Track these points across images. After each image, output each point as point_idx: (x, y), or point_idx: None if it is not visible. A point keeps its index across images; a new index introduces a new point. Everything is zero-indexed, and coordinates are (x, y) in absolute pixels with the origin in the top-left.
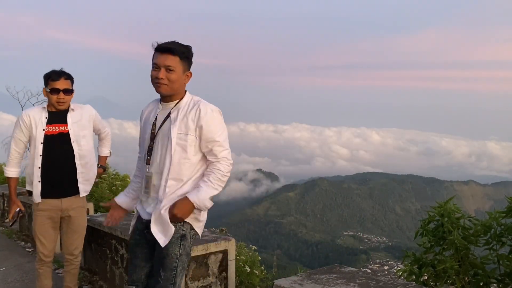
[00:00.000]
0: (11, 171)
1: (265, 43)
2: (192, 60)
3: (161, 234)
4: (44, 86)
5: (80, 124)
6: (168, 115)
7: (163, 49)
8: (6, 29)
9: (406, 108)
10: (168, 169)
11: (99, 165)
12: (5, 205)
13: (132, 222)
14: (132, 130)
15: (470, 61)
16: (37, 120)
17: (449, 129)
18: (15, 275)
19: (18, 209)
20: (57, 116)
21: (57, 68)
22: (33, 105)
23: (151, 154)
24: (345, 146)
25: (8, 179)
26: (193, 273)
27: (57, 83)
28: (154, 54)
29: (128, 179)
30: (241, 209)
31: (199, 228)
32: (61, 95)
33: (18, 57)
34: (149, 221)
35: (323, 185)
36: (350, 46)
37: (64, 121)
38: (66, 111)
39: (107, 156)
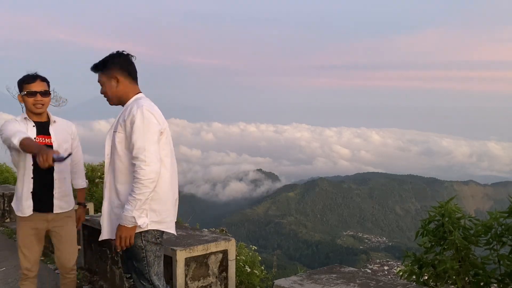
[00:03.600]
0: (20, 136)
1: (264, 43)
2: (113, 62)
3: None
4: (18, 93)
5: (62, 137)
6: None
7: (92, 69)
8: (6, 29)
9: (406, 108)
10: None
11: (81, 203)
12: (5, 205)
13: None
14: None
15: (470, 61)
16: (25, 129)
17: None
18: (15, 275)
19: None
20: (41, 127)
21: (57, 68)
22: None
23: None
24: (346, 146)
25: (23, 142)
26: (193, 273)
27: (33, 85)
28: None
29: None
30: (241, 209)
31: (156, 222)
32: (38, 97)
33: (18, 57)
34: None
35: (323, 185)
36: (350, 46)
37: (47, 133)
38: (48, 122)
39: (85, 189)
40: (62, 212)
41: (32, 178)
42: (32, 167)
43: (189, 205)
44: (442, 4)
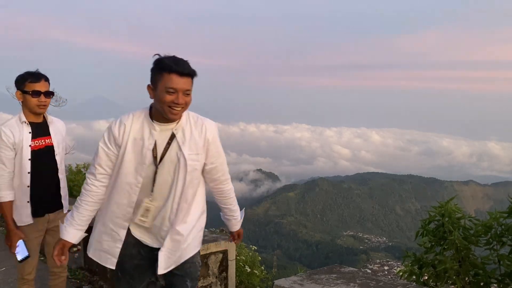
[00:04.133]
0: (6, 194)
1: (264, 43)
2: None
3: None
4: (17, 90)
5: (60, 136)
6: (172, 137)
7: (182, 73)
8: (6, 29)
9: (405, 108)
10: (180, 193)
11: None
12: None
13: (129, 250)
14: None
15: (470, 61)
16: (21, 135)
17: (449, 129)
18: (15, 275)
19: (22, 241)
20: (39, 128)
21: (57, 68)
22: None
23: (155, 180)
24: (346, 146)
25: (3, 204)
26: None
27: (37, 85)
28: (167, 76)
29: None
30: (241, 209)
31: None
32: (42, 97)
33: (18, 57)
34: (156, 248)
35: (323, 185)
36: (349, 46)
37: (47, 133)
38: (46, 122)
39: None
40: (61, 213)
41: (28, 186)
42: (29, 175)
43: None
44: (442, 4)
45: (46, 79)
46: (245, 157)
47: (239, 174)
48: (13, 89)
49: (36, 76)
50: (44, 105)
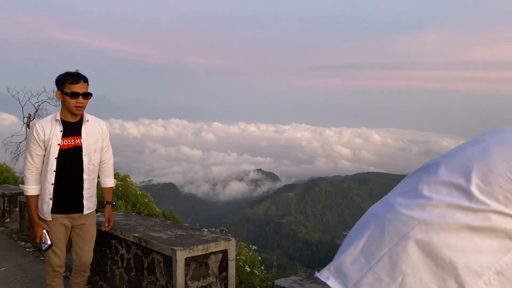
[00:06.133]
0: (32, 189)
1: (264, 43)
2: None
3: None
4: (57, 90)
5: (93, 137)
6: None
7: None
8: (6, 29)
9: (406, 108)
10: None
11: (108, 202)
12: (5, 205)
13: None
14: (133, 130)
15: (470, 61)
16: (51, 133)
17: (449, 129)
18: (15, 275)
19: (45, 231)
20: (72, 128)
21: (57, 68)
22: (34, 106)
23: None
24: (346, 146)
25: (28, 197)
26: (193, 273)
27: (77, 87)
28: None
29: (128, 179)
30: (241, 209)
31: None
32: (81, 99)
33: (18, 57)
34: None
35: (323, 185)
36: (349, 46)
37: (78, 133)
38: (80, 122)
39: (112, 188)
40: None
41: (52, 184)
42: (54, 173)
43: (189, 205)
44: (442, 4)
45: (85, 80)
46: (245, 157)
47: (239, 174)
48: (13, 89)
49: (76, 77)
50: (82, 106)
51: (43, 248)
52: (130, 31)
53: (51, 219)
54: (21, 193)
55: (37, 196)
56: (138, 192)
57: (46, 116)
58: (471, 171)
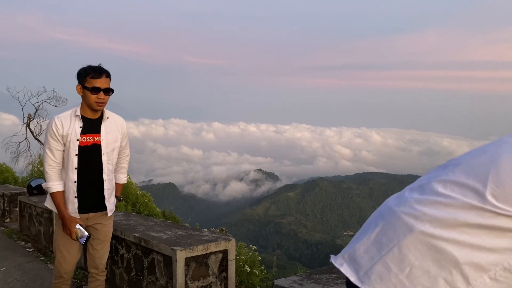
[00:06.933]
0: (55, 185)
1: (265, 43)
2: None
3: None
4: (78, 83)
5: (113, 135)
6: None
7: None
8: (6, 29)
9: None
10: None
11: (116, 197)
12: (5, 205)
13: None
14: (133, 130)
15: (470, 61)
16: (70, 128)
17: (449, 129)
18: (15, 275)
19: (78, 225)
20: (92, 124)
21: (57, 68)
22: (34, 106)
23: None
24: (347, 146)
25: (54, 194)
26: (193, 273)
27: (98, 81)
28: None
29: (129, 179)
30: (241, 209)
31: None
32: (102, 94)
33: (18, 57)
34: None
35: (323, 185)
36: (349, 46)
37: (98, 130)
38: (100, 119)
39: (123, 185)
40: (104, 214)
41: (75, 182)
42: (76, 170)
43: (189, 205)
44: (442, 4)
45: (108, 75)
46: (246, 157)
47: (239, 174)
48: (13, 89)
49: (98, 71)
50: (103, 102)
51: (82, 243)
52: (130, 31)
53: (79, 217)
54: (21, 193)
55: (63, 192)
56: (138, 192)
57: (46, 115)
58: (488, 175)
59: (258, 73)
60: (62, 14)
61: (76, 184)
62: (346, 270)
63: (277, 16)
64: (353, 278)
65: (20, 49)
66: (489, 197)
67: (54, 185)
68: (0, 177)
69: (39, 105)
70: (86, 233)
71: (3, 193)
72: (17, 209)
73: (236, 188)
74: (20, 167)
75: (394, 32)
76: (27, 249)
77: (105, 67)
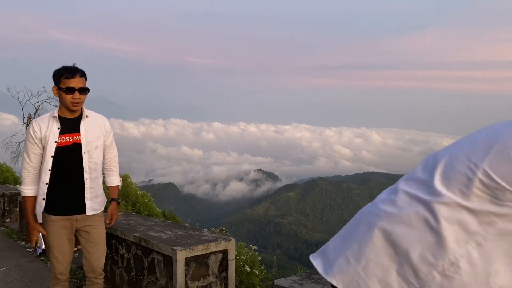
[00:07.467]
0: (28, 189)
1: (264, 43)
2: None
3: None
4: (54, 85)
5: (93, 134)
6: None
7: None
8: (6, 29)
9: (405, 108)
10: None
11: (113, 199)
12: (5, 205)
13: None
14: (133, 130)
15: (470, 61)
16: (48, 130)
17: (449, 129)
18: (15, 275)
19: (40, 234)
20: (70, 124)
21: (57, 68)
22: (34, 105)
23: None
24: (347, 146)
25: (25, 198)
26: (193, 273)
27: (72, 81)
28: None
29: (129, 179)
30: (241, 209)
31: None
32: (77, 94)
33: (18, 57)
34: None
35: (323, 185)
36: (349, 46)
37: (77, 129)
38: (79, 118)
39: (119, 187)
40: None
41: (47, 184)
42: (49, 172)
43: (189, 205)
44: (442, 4)
45: (82, 75)
46: (246, 157)
47: (239, 174)
48: (13, 89)
49: (71, 71)
50: (79, 103)
51: (37, 252)
52: (130, 31)
53: (41, 221)
54: (18, 194)
55: (34, 197)
56: (138, 192)
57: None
58: (436, 167)
59: (258, 73)
60: (63, 14)
61: (47, 186)
62: (317, 264)
63: (277, 16)
64: (320, 270)
65: (20, 49)
66: (436, 185)
67: (26, 189)
68: (0, 177)
69: (39, 105)
70: (43, 246)
71: (3, 193)
72: (17, 209)
73: (236, 188)
74: (20, 167)
75: (394, 32)
76: (27, 249)
77: (105, 67)
